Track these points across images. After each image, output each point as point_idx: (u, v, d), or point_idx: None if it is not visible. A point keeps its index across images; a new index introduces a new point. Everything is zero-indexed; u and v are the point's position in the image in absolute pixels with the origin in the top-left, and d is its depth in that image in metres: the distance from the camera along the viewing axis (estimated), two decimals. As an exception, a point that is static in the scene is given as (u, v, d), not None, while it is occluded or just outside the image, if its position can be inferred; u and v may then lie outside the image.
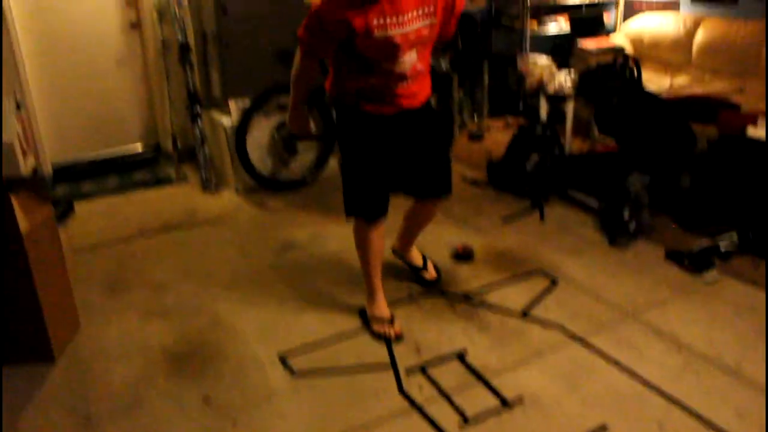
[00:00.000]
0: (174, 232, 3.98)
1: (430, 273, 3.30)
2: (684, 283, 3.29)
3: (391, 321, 2.89)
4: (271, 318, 3.06)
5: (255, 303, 3.19)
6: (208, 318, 3.07)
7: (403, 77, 2.61)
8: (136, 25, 5.03)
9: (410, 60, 2.57)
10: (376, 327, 2.89)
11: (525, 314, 3.02)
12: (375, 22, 2.41)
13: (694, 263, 3.39)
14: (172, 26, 4.74)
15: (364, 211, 2.83)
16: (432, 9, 2.51)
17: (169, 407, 2.49)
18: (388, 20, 2.42)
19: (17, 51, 4.55)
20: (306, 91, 2.78)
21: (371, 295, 2.97)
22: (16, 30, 4.56)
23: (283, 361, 2.74)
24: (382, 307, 2.94)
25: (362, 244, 2.89)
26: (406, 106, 2.70)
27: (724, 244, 3.49)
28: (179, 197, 4.52)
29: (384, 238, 2.93)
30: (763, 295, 3.17)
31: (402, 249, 3.31)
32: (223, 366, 2.73)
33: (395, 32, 2.45)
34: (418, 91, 2.72)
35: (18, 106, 3.33)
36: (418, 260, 3.31)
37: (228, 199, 4.43)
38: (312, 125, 2.92)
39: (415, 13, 2.47)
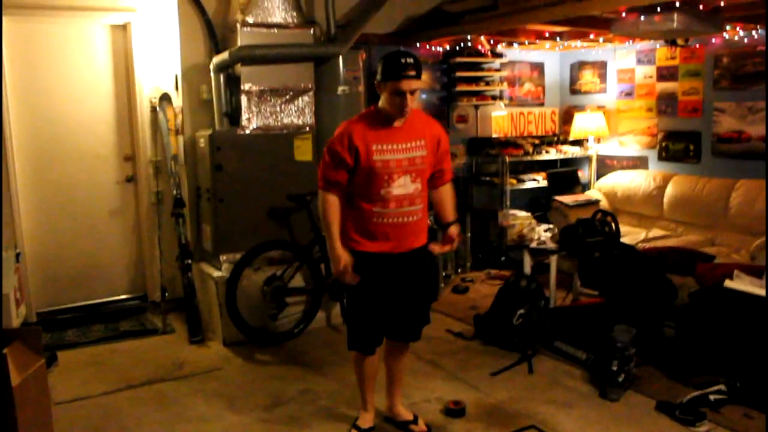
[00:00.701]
0: (160, 385, 3.91)
1: (420, 427, 3.30)
2: (677, 427, 3.29)
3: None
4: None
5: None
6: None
7: (399, 202, 2.99)
8: (131, 179, 5.22)
9: (404, 184, 2.99)
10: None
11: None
12: (374, 147, 2.92)
13: (686, 414, 3.39)
14: (167, 181, 4.92)
15: (363, 346, 3.19)
16: (423, 142, 3.02)
17: None
18: (385, 146, 2.94)
19: (16, 203, 4.69)
20: (338, 224, 3.03)
21: (364, 407, 3.32)
22: (17, 183, 4.72)
23: None
24: (368, 419, 3.30)
25: (360, 370, 3.25)
26: (405, 245, 3.06)
27: (713, 395, 3.51)
28: (166, 348, 4.48)
29: (378, 361, 3.26)
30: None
31: (390, 406, 3.38)
32: None
33: (390, 157, 2.95)
34: (415, 227, 3.08)
35: (17, 258, 3.40)
36: (407, 415, 3.35)
37: (216, 351, 4.41)
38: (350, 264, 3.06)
39: (408, 145, 2.98)
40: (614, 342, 3.75)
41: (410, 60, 2.85)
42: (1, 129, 4.38)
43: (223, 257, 4.59)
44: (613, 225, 4.64)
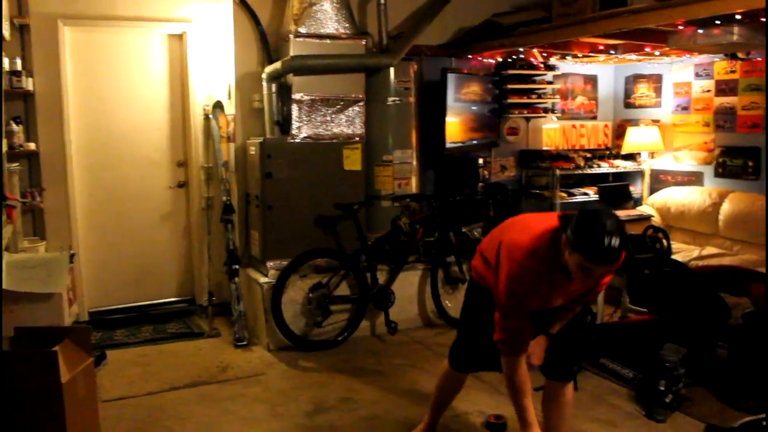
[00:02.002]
0: (204, 387, 3.97)
1: None
2: (727, 463, 3.18)
3: None
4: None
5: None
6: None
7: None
8: (183, 184, 5.33)
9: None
10: None
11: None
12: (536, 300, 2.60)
13: (737, 440, 3.29)
14: (218, 187, 5.01)
15: (461, 363, 3.02)
16: (583, 294, 2.75)
17: None
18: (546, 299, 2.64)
19: (72, 206, 4.85)
20: (530, 399, 2.65)
21: (428, 423, 3.19)
22: (74, 186, 4.88)
23: None
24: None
25: (444, 384, 3.13)
26: None
27: (766, 421, 3.39)
28: (211, 351, 4.55)
29: (460, 386, 3.13)
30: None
31: None
32: None
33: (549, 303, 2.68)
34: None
35: (71, 259, 3.50)
36: None
37: (259, 357, 4.45)
38: None
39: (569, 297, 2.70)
40: (663, 361, 3.65)
41: (615, 244, 2.26)
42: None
43: (270, 264, 4.64)
44: (664, 241, 4.53)
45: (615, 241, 2.26)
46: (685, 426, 3.49)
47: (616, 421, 3.53)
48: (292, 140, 4.70)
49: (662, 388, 3.61)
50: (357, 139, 4.87)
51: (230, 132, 5.06)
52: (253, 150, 4.82)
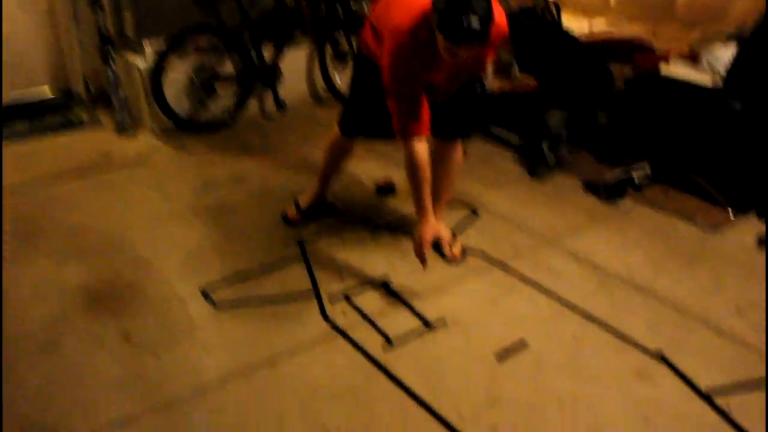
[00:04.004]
0: (90, 177, 3.82)
1: (452, 252, 2.90)
2: (600, 212, 3.40)
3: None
4: (192, 255, 3.00)
5: (175, 242, 3.11)
6: (128, 258, 2.98)
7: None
8: (38, -36, 4.75)
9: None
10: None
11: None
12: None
13: (610, 193, 3.50)
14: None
15: (350, 128, 3.04)
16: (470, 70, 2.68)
17: (88, 346, 2.42)
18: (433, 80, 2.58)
19: None
20: (428, 186, 2.58)
21: (317, 192, 3.24)
22: None
23: (205, 294, 2.69)
24: (306, 199, 3.25)
25: (333, 151, 3.14)
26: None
27: (637, 175, 3.61)
28: (94, 141, 4.33)
29: (350, 153, 3.17)
30: (673, 221, 3.31)
31: None
32: (143, 303, 2.66)
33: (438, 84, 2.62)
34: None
35: None
36: (445, 234, 2.90)
37: (145, 142, 4.28)
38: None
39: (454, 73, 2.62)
40: (546, 125, 3.76)
41: (475, 25, 2.16)
42: None
43: (147, 44, 4.32)
44: (555, 13, 4.51)
45: (475, 22, 2.15)
46: (566, 184, 3.67)
47: (501, 181, 3.68)
48: None
49: (545, 150, 3.75)
50: None
51: None
52: None
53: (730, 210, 3.39)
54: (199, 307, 2.62)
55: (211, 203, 3.46)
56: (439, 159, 2.88)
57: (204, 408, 2.14)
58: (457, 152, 2.95)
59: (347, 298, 2.67)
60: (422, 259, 2.59)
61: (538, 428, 2.08)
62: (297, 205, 3.26)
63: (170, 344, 2.42)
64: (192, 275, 2.83)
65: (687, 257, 3.02)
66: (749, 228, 3.26)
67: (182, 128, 4.32)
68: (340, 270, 2.86)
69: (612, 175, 3.61)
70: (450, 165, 2.95)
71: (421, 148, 2.51)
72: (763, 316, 2.60)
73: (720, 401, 2.18)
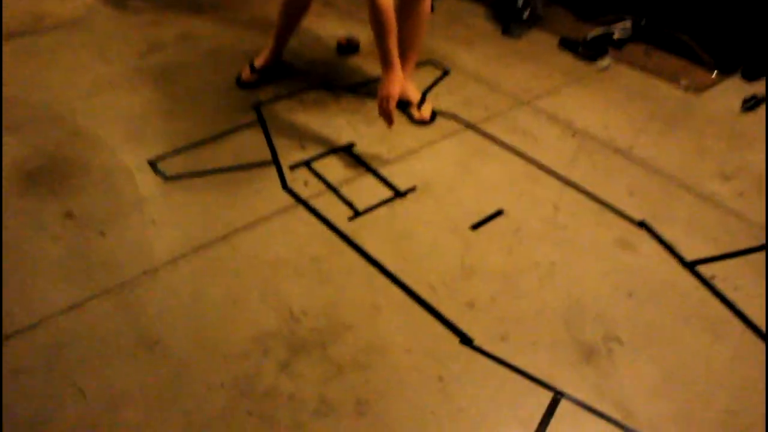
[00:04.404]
0: (17, 40, 3.44)
1: (421, 114, 2.76)
2: (578, 71, 3.19)
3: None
4: (138, 124, 2.73)
5: (119, 109, 2.83)
6: (66, 129, 2.70)
7: None
8: None
9: None
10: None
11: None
12: None
13: (588, 50, 3.28)
14: None
15: None
16: None
17: (28, 226, 2.19)
18: None
19: None
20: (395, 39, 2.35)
21: (272, 50, 2.96)
22: None
23: (153, 166, 2.46)
24: (262, 59, 2.97)
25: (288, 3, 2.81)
26: None
27: (617, 32, 3.38)
28: (23, 1, 3.91)
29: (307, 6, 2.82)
30: (655, 82, 3.12)
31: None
32: (85, 178, 2.42)
33: None
34: None
35: None
36: (412, 95, 2.79)
37: (82, 2, 3.87)
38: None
39: None
40: (522, -24, 3.47)
41: None
42: None
43: None
44: None
45: None
46: (541, 41, 3.44)
47: (472, 39, 3.42)
48: None
49: (519, 5, 3.48)
50: None
51: None
52: None
53: (715, 71, 3.20)
54: (147, 180, 2.40)
55: (157, 66, 3.15)
56: (405, 12, 2.62)
57: (156, 288, 1.97)
58: (425, 4, 2.67)
59: (308, 166, 2.46)
60: (388, 118, 2.38)
61: (516, 300, 1.96)
62: (252, 66, 2.98)
63: (117, 221, 2.22)
64: (138, 145, 2.58)
65: (669, 120, 2.85)
66: (734, 90, 3.10)
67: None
68: (300, 136, 2.64)
69: (590, 32, 3.38)
70: (417, 18, 2.67)
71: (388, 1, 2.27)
72: (747, 181, 2.48)
73: (703, 270, 2.08)
